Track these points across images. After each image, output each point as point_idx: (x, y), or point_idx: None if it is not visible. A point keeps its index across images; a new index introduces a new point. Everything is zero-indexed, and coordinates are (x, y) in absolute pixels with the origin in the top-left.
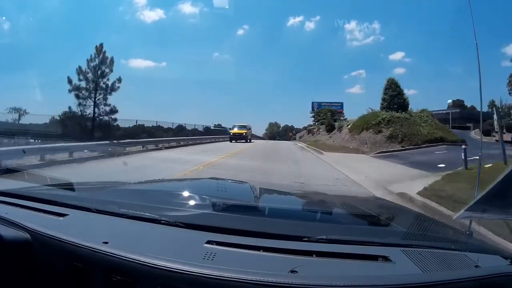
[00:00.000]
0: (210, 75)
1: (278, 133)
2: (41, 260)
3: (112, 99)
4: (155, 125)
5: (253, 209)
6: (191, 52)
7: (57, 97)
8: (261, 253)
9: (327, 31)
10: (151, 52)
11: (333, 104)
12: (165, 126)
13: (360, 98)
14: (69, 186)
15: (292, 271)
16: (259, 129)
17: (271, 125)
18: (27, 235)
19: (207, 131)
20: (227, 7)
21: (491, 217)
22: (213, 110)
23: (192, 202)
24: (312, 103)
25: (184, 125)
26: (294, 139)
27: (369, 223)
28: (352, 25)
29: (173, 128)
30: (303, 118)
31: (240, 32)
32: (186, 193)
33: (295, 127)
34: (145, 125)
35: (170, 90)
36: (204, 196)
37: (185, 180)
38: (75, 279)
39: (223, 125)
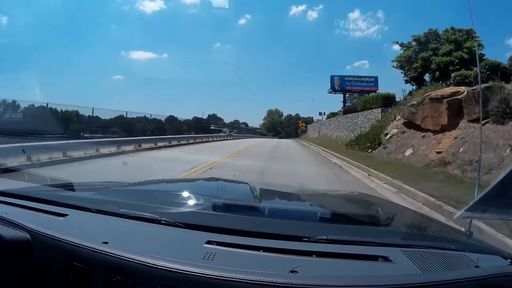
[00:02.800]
0: (210, 67)
1: (280, 123)
2: (41, 260)
3: (109, 92)
4: (141, 116)
5: (253, 209)
6: (192, 43)
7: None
8: (261, 253)
9: (330, 21)
10: (151, 44)
11: (363, 78)
12: (151, 118)
13: None
14: (69, 186)
15: (292, 271)
16: (257, 119)
17: (271, 113)
18: (27, 235)
19: (199, 123)
20: (226, 7)
21: (491, 217)
22: (209, 100)
23: (192, 202)
24: (332, 77)
25: (175, 116)
26: (304, 131)
27: (369, 223)
28: (355, 14)
29: (162, 120)
30: (306, 109)
31: (242, 21)
32: (186, 193)
33: (301, 116)
34: (127, 116)
35: (169, 82)
36: (204, 196)
37: (185, 180)
38: (75, 279)
39: (218, 115)
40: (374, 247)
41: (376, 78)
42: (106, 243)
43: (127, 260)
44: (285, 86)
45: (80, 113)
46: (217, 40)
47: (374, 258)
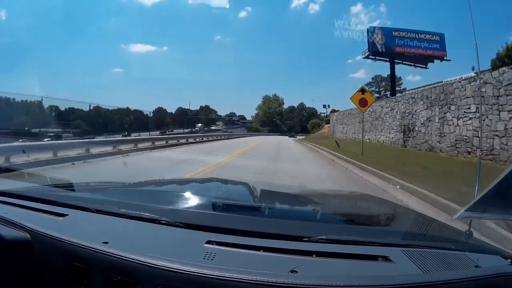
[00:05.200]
0: (210, 59)
1: (279, 114)
2: (41, 260)
3: (108, 86)
4: (122, 108)
5: (253, 209)
6: (191, 36)
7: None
8: (261, 253)
9: (332, 13)
10: (150, 37)
11: (423, 35)
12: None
13: (364, 82)
14: (69, 186)
15: (292, 271)
16: (251, 109)
17: (267, 101)
18: (27, 235)
19: (183, 116)
20: (227, 7)
21: (491, 217)
22: (207, 93)
23: (192, 202)
24: (371, 31)
25: (164, 108)
26: (317, 126)
27: (369, 223)
28: (358, 7)
29: (143, 112)
30: (310, 100)
31: (243, 14)
32: (186, 193)
33: (306, 105)
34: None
35: (167, 75)
36: (204, 196)
37: (185, 180)
38: (75, 279)
39: (211, 107)
40: (374, 247)
41: (442, 36)
42: (106, 243)
43: (127, 260)
44: (285, 80)
45: (44, 105)
46: (218, 33)
47: (374, 258)
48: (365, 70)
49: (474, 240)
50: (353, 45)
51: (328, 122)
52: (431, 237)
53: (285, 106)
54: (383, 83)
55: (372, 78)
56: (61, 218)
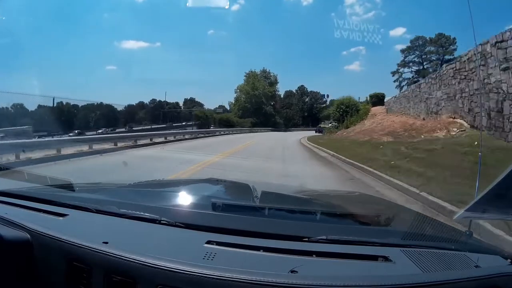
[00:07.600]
0: (204, 53)
1: (271, 97)
2: (41, 260)
3: (100, 83)
4: (91, 103)
5: (253, 209)
6: (185, 31)
7: None
8: (261, 253)
9: (325, 5)
10: (143, 33)
11: None
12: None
13: (358, 75)
14: (69, 186)
15: (292, 271)
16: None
17: (252, 77)
18: (27, 235)
19: (158, 109)
20: (226, 7)
21: (491, 217)
22: (197, 86)
23: (192, 202)
24: None
25: (145, 103)
26: (339, 117)
27: (369, 223)
28: None
29: (115, 107)
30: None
31: (235, 7)
32: (186, 194)
33: (308, 89)
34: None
35: (162, 71)
36: (204, 196)
37: (185, 181)
38: (75, 279)
39: (196, 99)
40: (374, 247)
41: None
42: (106, 243)
43: (127, 260)
44: (278, 71)
45: None
46: (211, 27)
47: (374, 258)
48: (360, 62)
49: (474, 240)
50: (347, 36)
51: (380, 100)
52: (431, 237)
53: (281, 93)
54: (428, 48)
55: (411, 42)
56: (61, 218)
